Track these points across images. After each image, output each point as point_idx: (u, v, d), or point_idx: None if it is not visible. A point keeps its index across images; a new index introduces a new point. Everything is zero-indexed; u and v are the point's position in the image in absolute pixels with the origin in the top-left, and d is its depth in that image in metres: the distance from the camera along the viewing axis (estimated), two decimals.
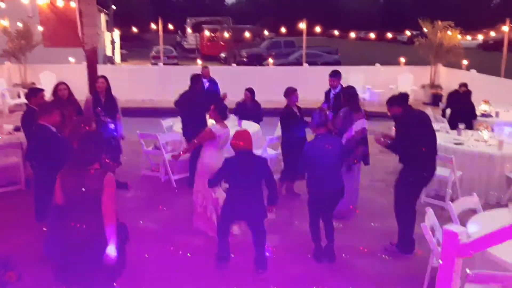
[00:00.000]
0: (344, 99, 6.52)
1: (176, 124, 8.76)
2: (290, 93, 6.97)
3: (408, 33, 29.43)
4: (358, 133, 6.30)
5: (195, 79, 7.63)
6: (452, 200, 6.25)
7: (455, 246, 3.41)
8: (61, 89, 6.92)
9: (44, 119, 5.32)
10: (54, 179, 4.21)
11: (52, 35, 8.19)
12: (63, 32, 8.02)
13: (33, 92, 6.69)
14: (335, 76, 7.68)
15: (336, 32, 29.78)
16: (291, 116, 6.97)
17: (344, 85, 7.64)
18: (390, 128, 11.95)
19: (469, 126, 8.55)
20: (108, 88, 7.23)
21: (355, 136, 6.27)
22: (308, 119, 6.24)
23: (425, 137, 5.29)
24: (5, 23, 15.13)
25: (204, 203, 5.90)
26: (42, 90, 6.88)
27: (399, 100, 5.45)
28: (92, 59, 8.61)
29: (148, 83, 16.04)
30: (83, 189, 3.63)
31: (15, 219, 6.30)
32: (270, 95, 15.08)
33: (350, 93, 6.52)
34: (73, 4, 7.63)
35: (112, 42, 32.27)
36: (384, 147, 5.53)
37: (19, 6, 8.91)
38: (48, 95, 7.75)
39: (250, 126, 8.32)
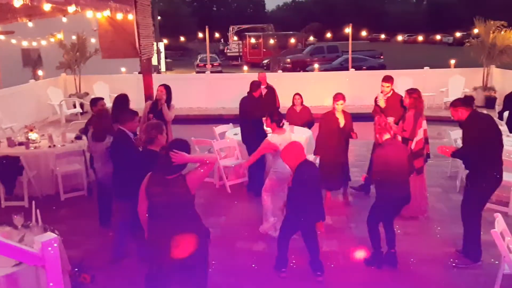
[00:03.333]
0: (411, 102, 6.38)
1: (229, 131, 8.88)
2: (332, 99, 6.94)
3: (458, 34, 28.61)
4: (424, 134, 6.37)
5: (254, 86, 7.68)
6: None
7: None
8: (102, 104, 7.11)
9: (125, 125, 5.41)
10: (130, 185, 4.37)
11: (110, 47, 8.47)
12: (120, 43, 8.27)
13: (94, 102, 7.05)
14: (391, 80, 7.39)
15: (378, 36, 29.46)
16: (327, 121, 6.91)
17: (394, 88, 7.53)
18: (439, 133, 11.74)
19: None
20: (168, 97, 7.43)
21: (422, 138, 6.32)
22: None
23: (494, 141, 5.11)
24: (60, 36, 15.85)
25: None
26: (102, 98, 7.23)
27: (465, 103, 5.25)
28: (148, 68, 8.88)
29: (195, 91, 16.32)
30: (170, 197, 3.72)
31: (80, 225, 6.53)
32: (315, 101, 15.12)
33: (418, 95, 6.40)
34: (130, 17, 7.86)
35: (158, 52, 33.07)
36: (450, 156, 5.41)
37: (75, 20, 9.33)
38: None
39: (303, 132, 8.34)
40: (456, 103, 5.29)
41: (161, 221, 3.74)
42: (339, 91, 7.04)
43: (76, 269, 4.33)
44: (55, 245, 3.17)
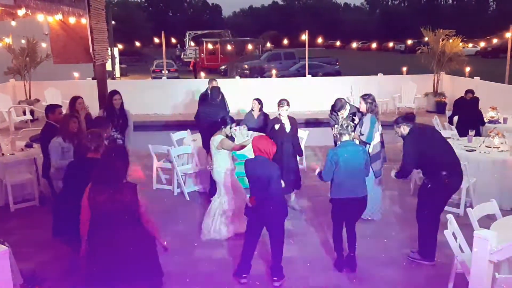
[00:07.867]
0: (367, 107, 6.52)
1: (187, 137, 8.78)
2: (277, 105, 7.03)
3: (409, 42, 29.61)
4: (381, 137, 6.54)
5: (214, 91, 7.68)
6: (465, 207, 6.31)
7: (486, 251, 3.46)
8: (80, 102, 7.07)
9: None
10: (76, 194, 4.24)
11: (62, 52, 8.22)
12: (73, 48, 8.04)
13: (51, 109, 6.75)
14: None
15: (334, 43, 30.13)
16: (272, 125, 6.99)
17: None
18: (393, 137, 12.05)
19: (477, 133, 8.58)
20: (122, 103, 7.29)
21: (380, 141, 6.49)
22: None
23: (437, 149, 5.31)
24: (8, 40, 15.23)
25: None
26: (59, 106, 6.96)
27: (406, 120, 5.53)
28: (102, 74, 8.68)
29: (152, 97, 16.07)
30: (116, 204, 3.64)
31: (32, 236, 6.28)
32: (274, 107, 15.23)
33: (373, 99, 6.56)
34: (83, 21, 7.66)
35: (112, 57, 32.38)
36: (396, 177, 5.65)
37: (25, 23, 9.04)
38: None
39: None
40: (398, 120, 5.55)
41: (106, 230, 3.66)
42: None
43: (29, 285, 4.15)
44: (6, 257, 3.04)
